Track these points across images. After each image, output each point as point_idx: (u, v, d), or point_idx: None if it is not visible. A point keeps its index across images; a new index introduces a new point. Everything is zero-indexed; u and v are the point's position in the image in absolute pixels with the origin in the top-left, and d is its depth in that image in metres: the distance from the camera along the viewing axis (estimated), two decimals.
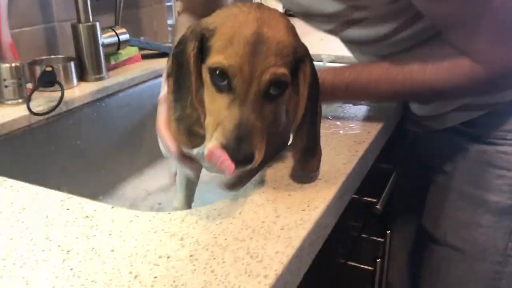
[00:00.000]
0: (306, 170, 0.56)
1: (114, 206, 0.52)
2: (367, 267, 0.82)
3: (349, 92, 0.70)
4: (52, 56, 0.99)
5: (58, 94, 0.86)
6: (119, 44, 1.06)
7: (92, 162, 0.95)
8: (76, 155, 0.92)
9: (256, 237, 0.45)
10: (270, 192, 0.54)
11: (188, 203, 0.73)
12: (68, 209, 0.51)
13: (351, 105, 0.81)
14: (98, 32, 0.98)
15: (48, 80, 0.85)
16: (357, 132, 0.71)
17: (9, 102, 0.85)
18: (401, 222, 1.07)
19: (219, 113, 0.49)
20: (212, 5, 0.88)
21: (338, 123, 0.74)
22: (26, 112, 0.82)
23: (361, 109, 0.80)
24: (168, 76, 0.54)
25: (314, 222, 0.48)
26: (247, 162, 0.47)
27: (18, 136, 0.81)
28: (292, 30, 0.52)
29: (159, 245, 0.45)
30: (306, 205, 0.51)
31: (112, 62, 1.07)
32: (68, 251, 0.44)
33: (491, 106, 0.77)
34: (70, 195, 0.54)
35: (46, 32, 1.02)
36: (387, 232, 0.89)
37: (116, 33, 1.05)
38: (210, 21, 0.51)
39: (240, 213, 0.50)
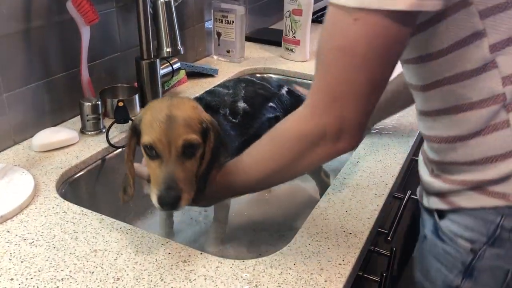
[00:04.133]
0: (196, 206, 0.80)
1: (202, 252, 0.72)
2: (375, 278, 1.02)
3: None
4: (118, 85, 1.17)
5: (128, 123, 1.04)
6: (173, 73, 1.23)
7: None
8: None
9: None
10: (314, 245, 0.73)
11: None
12: (169, 253, 0.71)
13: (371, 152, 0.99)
14: (158, 68, 1.15)
15: (122, 117, 1.03)
16: (377, 181, 0.90)
17: (89, 133, 1.04)
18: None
19: (154, 173, 0.70)
20: None
21: (362, 169, 0.93)
22: (105, 144, 1.01)
23: (378, 157, 0.98)
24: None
25: (348, 276, 0.68)
26: (175, 202, 0.68)
27: (98, 166, 1.00)
28: (197, 109, 0.73)
29: None
30: (342, 259, 0.71)
31: (166, 88, 1.25)
32: None
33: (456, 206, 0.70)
34: (167, 239, 0.74)
35: (111, 61, 1.19)
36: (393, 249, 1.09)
37: (170, 63, 1.22)
38: (141, 113, 0.73)
39: (294, 264, 0.69)
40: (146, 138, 0.69)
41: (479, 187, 0.66)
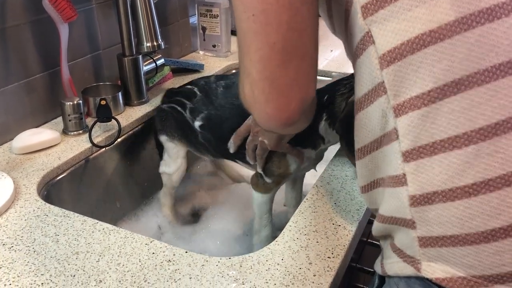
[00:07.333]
0: None
1: (188, 251, 0.69)
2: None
3: None
4: (101, 83, 1.14)
5: (111, 122, 1.02)
6: (156, 69, 1.21)
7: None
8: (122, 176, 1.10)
9: (296, 283, 0.63)
10: (302, 239, 0.71)
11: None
12: (153, 253, 0.69)
13: None
14: (141, 64, 1.13)
15: (105, 116, 1.00)
16: None
17: (72, 133, 1.02)
18: None
19: None
20: None
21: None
22: (88, 144, 0.98)
23: None
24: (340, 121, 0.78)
25: (337, 269, 0.66)
26: None
27: (81, 166, 0.98)
28: None
29: None
30: (331, 252, 0.69)
31: (150, 84, 1.22)
32: None
33: None
34: (151, 239, 0.72)
35: (93, 60, 1.16)
36: None
37: (153, 59, 1.20)
38: None
39: (282, 260, 0.67)
40: None
41: None
